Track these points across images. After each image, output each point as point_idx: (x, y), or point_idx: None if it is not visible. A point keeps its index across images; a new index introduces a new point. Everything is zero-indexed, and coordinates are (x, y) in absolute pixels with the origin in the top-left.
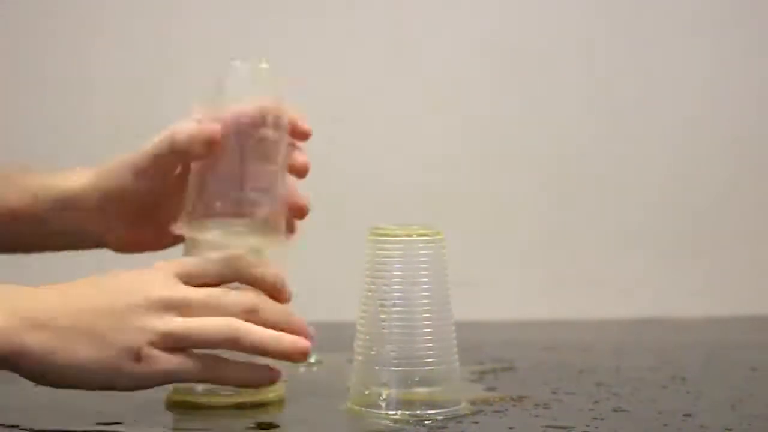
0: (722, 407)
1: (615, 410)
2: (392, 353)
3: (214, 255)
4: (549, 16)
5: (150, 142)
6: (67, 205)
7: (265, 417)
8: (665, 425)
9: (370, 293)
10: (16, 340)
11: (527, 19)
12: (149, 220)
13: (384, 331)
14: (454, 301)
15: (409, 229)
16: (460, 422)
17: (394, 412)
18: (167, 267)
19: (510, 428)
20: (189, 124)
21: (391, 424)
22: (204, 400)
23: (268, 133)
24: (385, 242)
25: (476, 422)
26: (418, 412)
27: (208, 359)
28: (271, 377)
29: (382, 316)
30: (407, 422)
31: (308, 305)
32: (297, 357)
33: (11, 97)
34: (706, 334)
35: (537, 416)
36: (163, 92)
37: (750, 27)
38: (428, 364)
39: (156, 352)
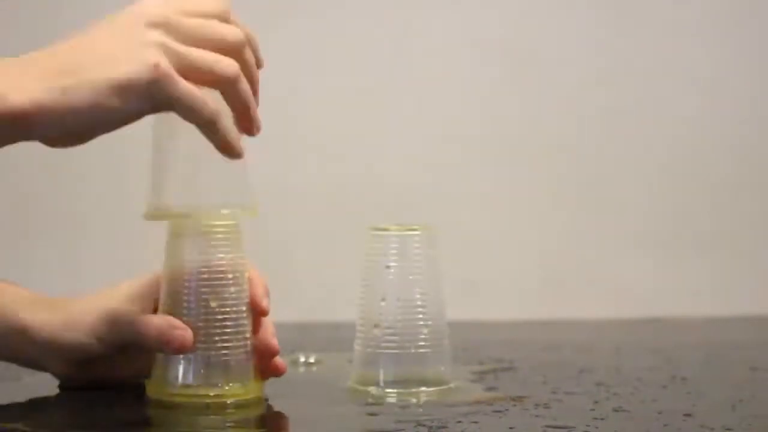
0: (722, 407)
1: (615, 410)
2: (389, 352)
3: None
4: (549, 16)
5: (113, 309)
6: (21, 338)
7: (260, 416)
8: (665, 425)
9: (367, 290)
10: (17, 98)
11: (527, 19)
12: (100, 367)
13: (381, 326)
14: (454, 301)
15: (405, 226)
16: (460, 422)
17: (392, 409)
18: None
19: (510, 428)
20: (158, 320)
21: (391, 423)
22: (182, 399)
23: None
24: (381, 238)
25: (476, 422)
26: (420, 410)
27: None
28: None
29: (380, 312)
30: (407, 422)
31: (309, 305)
32: (256, 130)
33: None
34: (706, 334)
35: (537, 416)
36: None
37: (750, 27)
38: (424, 356)
39: (172, 68)
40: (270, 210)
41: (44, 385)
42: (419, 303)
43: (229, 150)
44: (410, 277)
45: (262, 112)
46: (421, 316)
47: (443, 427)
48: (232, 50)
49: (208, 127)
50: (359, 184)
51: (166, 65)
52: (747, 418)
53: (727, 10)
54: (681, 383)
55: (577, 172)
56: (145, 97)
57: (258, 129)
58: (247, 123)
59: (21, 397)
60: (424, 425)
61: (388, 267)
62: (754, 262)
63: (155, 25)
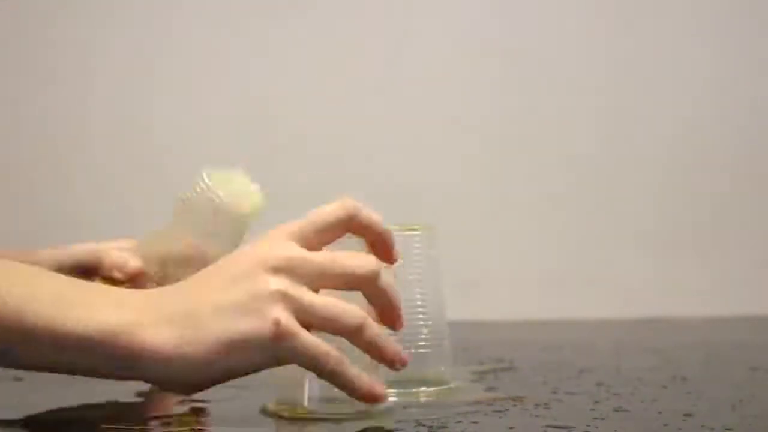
0: (722, 407)
1: (615, 410)
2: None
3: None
4: (550, 16)
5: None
6: None
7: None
8: (665, 425)
9: None
10: (137, 338)
11: (527, 19)
12: None
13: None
14: (454, 302)
15: (405, 226)
16: (460, 422)
17: (392, 409)
18: (279, 230)
19: (510, 428)
20: None
21: (391, 423)
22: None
23: None
24: None
25: (476, 422)
26: (420, 410)
27: (335, 349)
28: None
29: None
30: (407, 422)
31: None
32: (399, 364)
33: (11, 96)
34: (706, 334)
35: (537, 416)
36: (163, 93)
37: (751, 26)
38: (424, 356)
39: (294, 322)
40: (270, 210)
41: (47, 384)
42: (419, 303)
43: (360, 395)
44: (410, 277)
45: (261, 112)
46: (421, 316)
47: (443, 427)
48: (364, 283)
49: (332, 376)
50: (359, 184)
51: (287, 321)
52: (747, 418)
53: (728, 10)
54: (681, 383)
55: (577, 172)
56: (266, 353)
57: (401, 361)
58: (385, 359)
59: (24, 397)
60: (424, 425)
61: (388, 267)
62: (754, 262)
63: (277, 270)
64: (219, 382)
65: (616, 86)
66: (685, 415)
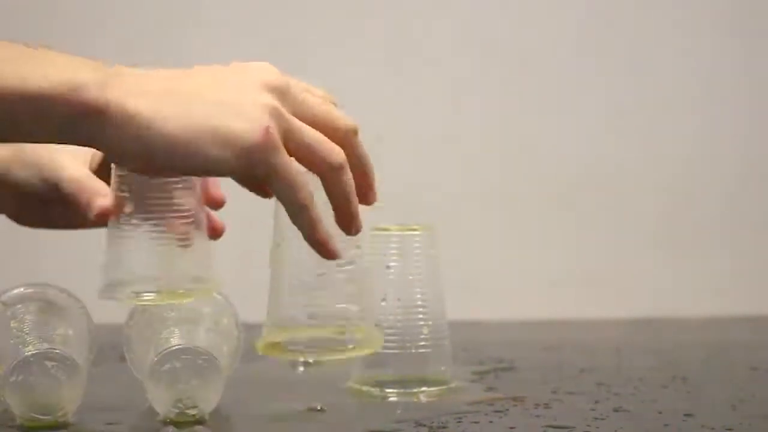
0: (722, 407)
1: (615, 410)
2: (389, 352)
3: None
4: (551, 16)
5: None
6: None
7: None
8: (666, 425)
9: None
10: (109, 93)
11: (528, 18)
12: (53, 210)
13: (381, 326)
14: (455, 302)
15: (405, 226)
16: (459, 422)
17: (392, 409)
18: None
19: (510, 428)
20: (87, 183)
21: (391, 423)
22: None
23: None
24: (381, 238)
25: (476, 422)
26: (420, 410)
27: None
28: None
29: (380, 312)
30: (407, 422)
31: None
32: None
33: None
34: (706, 334)
35: (537, 416)
36: None
37: (752, 26)
38: (424, 356)
39: (280, 140)
40: (271, 210)
41: None
42: (419, 303)
43: (318, 245)
44: (410, 277)
45: None
46: (421, 316)
47: (443, 427)
48: (342, 138)
49: (300, 212)
50: None
51: (276, 132)
52: (747, 418)
53: (728, 9)
54: (681, 383)
55: (578, 173)
56: (244, 157)
57: (357, 228)
58: (344, 219)
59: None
60: (424, 425)
61: (388, 267)
62: (754, 262)
63: (272, 89)
64: (176, 171)
65: (619, 86)
66: (685, 415)
